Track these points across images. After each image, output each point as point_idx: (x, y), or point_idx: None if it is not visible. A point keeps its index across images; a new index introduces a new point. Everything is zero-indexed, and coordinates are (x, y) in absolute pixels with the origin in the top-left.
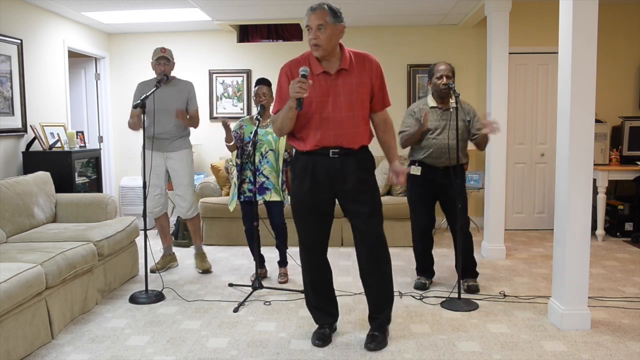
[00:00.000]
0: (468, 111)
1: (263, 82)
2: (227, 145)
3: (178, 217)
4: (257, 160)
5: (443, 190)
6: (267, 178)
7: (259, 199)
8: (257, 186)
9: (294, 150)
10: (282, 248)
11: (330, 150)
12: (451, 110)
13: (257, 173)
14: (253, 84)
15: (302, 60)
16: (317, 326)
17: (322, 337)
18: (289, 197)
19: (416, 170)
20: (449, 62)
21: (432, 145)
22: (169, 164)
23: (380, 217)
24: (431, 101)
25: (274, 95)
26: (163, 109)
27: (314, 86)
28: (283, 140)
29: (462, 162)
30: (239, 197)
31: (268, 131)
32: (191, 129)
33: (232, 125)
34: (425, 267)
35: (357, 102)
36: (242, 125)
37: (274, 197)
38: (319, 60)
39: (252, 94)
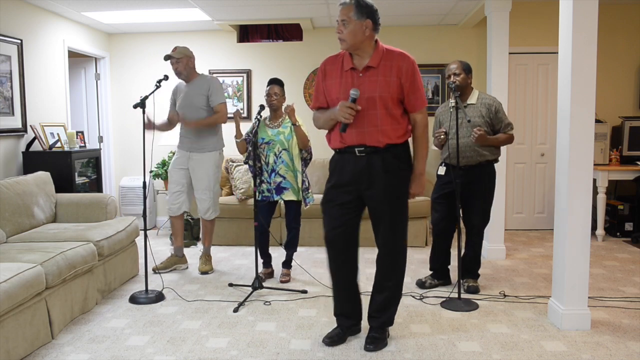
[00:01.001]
0: (489, 106)
1: (275, 82)
2: (236, 141)
3: None
4: (272, 160)
5: (464, 189)
6: (284, 177)
7: (277, 199)
8: (274, 186)
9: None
10: (290, 250)
11: (356, 149)
12: (450, 110)
13: (274, 174)
14: (253, 84)
15: (338, 57)
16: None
17: (331, 336)
18: (311, 197)
19: (441, 170)
20: (462, 60)
21: (450, 146)
22: (190, 165)
23: (403, 224)
24: (453, 101)
25: (285, 95)
26: (184, 107)
27: (340, 82)
28: (295, 139)
29: (487, 158)
30: (257, 196)
31: (280, 131)
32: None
33: (243, 129)
34: (434, 267)
35: (380, 100)
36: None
37: (291, 197)
38: (352, 57)
39: (264, 94)
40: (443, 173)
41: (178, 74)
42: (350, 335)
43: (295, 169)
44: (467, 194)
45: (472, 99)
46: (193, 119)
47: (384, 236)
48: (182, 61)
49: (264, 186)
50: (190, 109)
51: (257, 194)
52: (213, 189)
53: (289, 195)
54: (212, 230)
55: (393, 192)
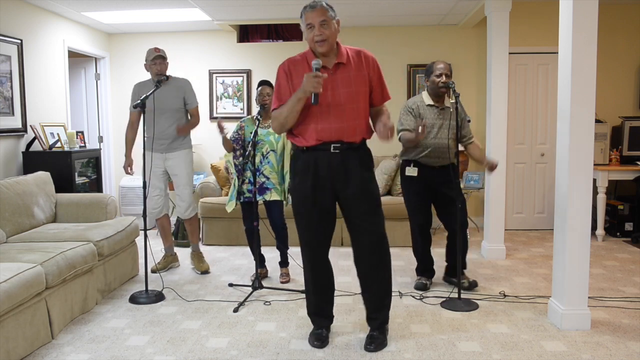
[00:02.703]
0: (461, 111)
1: (266, 83)
2: (223, 144)
3: (178, 217)
4: (257, 160)
5: (440, 190)
6: (268, 178)
7: (260, 199)
8: (257, 186)
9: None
10: (282, 248)
11: (332, 145)
12: (451, 110)
13: (257, 173)
14: (253, 84)
15: (301, 58)
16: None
17: (320, 338)
18: (290, 197)
19: (412, 172)
20: (447, 62)
21: (430, 145)
22: (168, 165)
23: (382, 215)
24: (427, 98)
25: None
26: (160, 109)
27: None
28: (282, 141)
29: (453, 161)
30: (238, 198)
31: (270, 131)
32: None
33: (229, 125)
34: (425, 267)
35: (357, 94)
36: (243, 126)
37: (275, 197)
38: (315, 56)
39: (256, 94)
40: (415, 174)
41: (159, 75)
42: (328, 333)
43: (280, 170)
44: (445, 195)
45: (448, 102)
46: (169, 120)
47: (369, 233)
48: (165, 62)
49: (245, 187)
50: (167, 111)
51: (240, 196)
52: (190, 184)
53: (273, 196)
54: (197, 227)
55: (369, 187)
